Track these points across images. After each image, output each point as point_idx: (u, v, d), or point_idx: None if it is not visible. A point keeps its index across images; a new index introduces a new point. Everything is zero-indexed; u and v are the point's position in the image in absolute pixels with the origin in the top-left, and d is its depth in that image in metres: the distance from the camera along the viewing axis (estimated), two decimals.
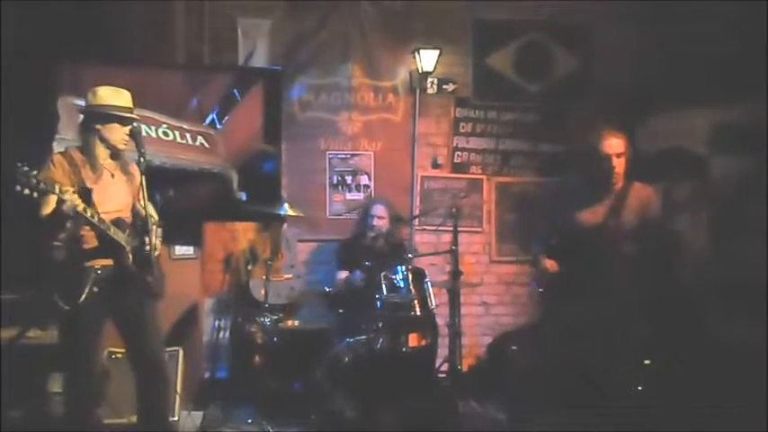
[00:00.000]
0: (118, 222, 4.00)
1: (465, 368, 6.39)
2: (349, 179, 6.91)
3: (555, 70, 7.19)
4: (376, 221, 5.97)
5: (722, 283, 5.39)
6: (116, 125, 4.03)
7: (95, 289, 3.91)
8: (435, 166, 7.06)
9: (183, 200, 5.80)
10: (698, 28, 6.16)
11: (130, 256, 4.00)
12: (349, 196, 6.90)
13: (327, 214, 6.87)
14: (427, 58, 6.73)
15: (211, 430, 5.20)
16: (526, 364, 5.70)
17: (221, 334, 6.43)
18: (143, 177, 3.99)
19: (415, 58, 6.80)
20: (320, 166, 6.87)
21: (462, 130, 7.10)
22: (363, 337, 5.18)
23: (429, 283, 5.50)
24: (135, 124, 4.09)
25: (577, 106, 7.12)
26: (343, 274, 5.98)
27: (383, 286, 5.27)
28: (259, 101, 6.23)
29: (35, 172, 3.51)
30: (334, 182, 6.90)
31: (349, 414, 4.83)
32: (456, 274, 5.56)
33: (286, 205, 5.59)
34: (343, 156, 6.91)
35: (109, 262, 3.97)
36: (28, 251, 4.97)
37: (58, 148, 5.55)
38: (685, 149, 6.09)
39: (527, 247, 6.12)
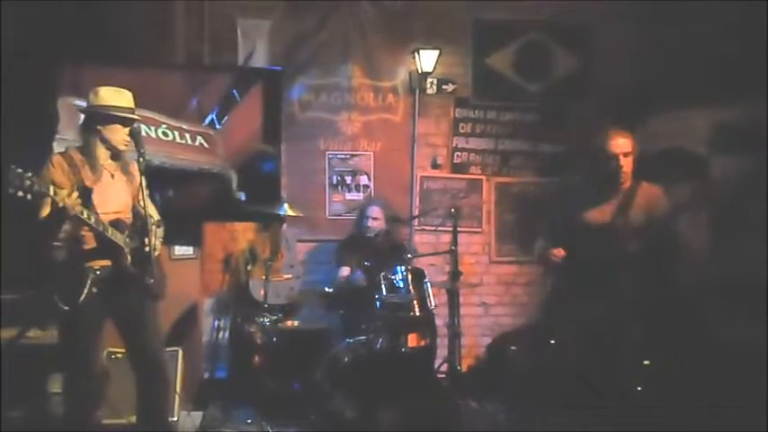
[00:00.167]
0: (117, 223, 3.99)
1: (464, 368, 6.39)
2: (349, 179, 6.91)
3: (555, 70, 7.19)
4: (371, 223, 5.99)
5: (722, 283, 5.39)
6: (117, 125, 4.03)
7: (94, 289, 3.91)
8: (435, 166, 7.06)
9: (183, 200, 5.80)
10: (698, 28, 6.16)
11: (129, 257, 3.99)
12: (349, 196, 6.90)
13: (327, 214, 6.87)
14: (427, 59, 6.73)
15: (211, 430, 5.20)
16: (526, 365, 5.70)
17: (221, 334, 6.43)
18: (143, 177, 3.99)
19: (414, 58, 6.81)
20: (320, 166, 6.87)
21: (462, 131, 7.11)
22: (363, 337, 5.18)
23: (428, 284, 5.49)
24: (135, 125, 4.09)
25: (577, 106, 7.13)
26: (344, 271, 5.98)
27: (382, 286, 5.27)
28: (258, 101, 6.23)
29: (29, 174, 3.50)
30: (334, 182, 6.90)
31: (348, 414, 4.82)
32: (455, 274, 5.56)
33: (286, 205, 5.59)
34: (343, 156, 6.91)
35: (107, 263, 3.97)
36: (28, 251, 4.96)
37: (58, 148, 5.55)
38: (685, 149, 6.09)
39: (527, 247, 6.13)
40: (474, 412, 5.52)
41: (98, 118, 4.04)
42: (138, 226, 4.12)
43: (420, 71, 6.80)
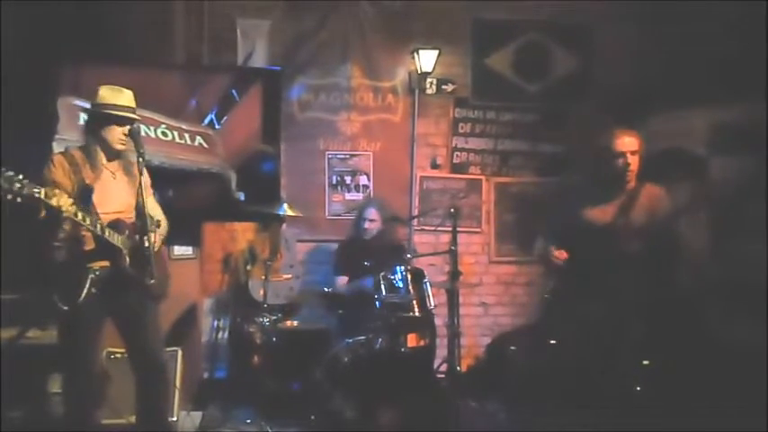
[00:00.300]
0: (117, 224, 3.98)
1: (464, 368, 6.40)
2: (348, 179, 6.92)
3: (554, 70, 7.20)
4: (368, 224, 5.97)
5: (722, 283, 5.39)
6: (113, 124, 4.02)
7: (93, 290, 3.90)
8: (434, 166, 7.07)
9: (182, 200, 5.79)
10: (698, 28, 6.16)
11: (128, 259, 3.99)
12: (348, 196, 6.91)
13: (326, 214, 6.88)
14: (426, 59, 6.74)
15: (210, 430, 5.20)
16: (526, 365, 5.71)
17: (220, 334, 6.43)
18: (143, 177, 3.98)
19: (414, 58, 6.81)
20: (319, 166, 6.88)
21: (461, 131, 7.11)
22: (362, 337, 5.18)
23: (428, 284, 5.49)
24: (135, 125, 4.08)
25: (577, 106, 7.13)
26: (342, 280, 5.97)
27: (382, 286, 5.26)
28: (258, 101, 6.24)
29: (20, 177, 3.49)
30: (334, 182, 6.91)
31: (348, 414, 4.82)
32: (455, 274, 5.55)
33: (285, 205, 5.59)
34: (343, 156, 6.91)
35: (106, 263, 3.96)
36: (28, 251, 4.96)
37: (58, 148, 5.57)
38: (685, 150, 6.09)
39: (526, 247, 6.12)
40: (474, 412, 5.53)
41: (96, 117, 4.05)
42: (140, 226, 4.10)
43: (419, 71, 6.80)
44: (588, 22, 7.12)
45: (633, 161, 4.42)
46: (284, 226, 6.52)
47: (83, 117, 5.80)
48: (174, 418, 4.96)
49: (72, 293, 3.87)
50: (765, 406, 4.34)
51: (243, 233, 6.58)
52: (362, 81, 6.93)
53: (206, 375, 6.26)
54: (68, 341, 4.04)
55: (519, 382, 5.62)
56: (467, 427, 5.12)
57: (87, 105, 5.66)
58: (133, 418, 4.44)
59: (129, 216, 4.08)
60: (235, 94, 6.21)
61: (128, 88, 4.12)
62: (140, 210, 4.03)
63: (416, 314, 5.29)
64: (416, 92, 6.96)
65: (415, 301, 5.30)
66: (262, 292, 5.59)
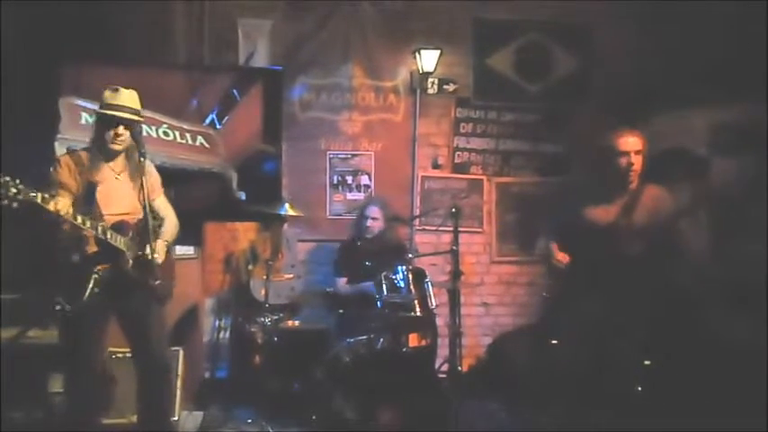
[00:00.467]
0: (120, 225, 3.98)
1: (465, 368, 6.38)
2: (349, 179, 6.92)
3: (555, 70, 7.20)
4: (370, 223, 5.96)
5: (722, 283, 5.39)
6: (109, 124, 4.02)
7: (97, 290, 3.91)
8: (436, 166, 7.07)
9: (184, 200, 5.78)
10: (698, 28, 6.16)
11: (130, 261, 3.99)
12: (349, 196, 6.91)
13: (328, 214, 6.88)
14: (428, 59, 6.74)
15: (212, 430, 5.20)
16: (526, 365, 5.71)
17: (221, 334, 6.44)
18: (144, 178, 3.97)
19: (415, 58, 6.81)
20: (321, 166, 6.88)
21: (463, 131, 7.11)
22: (363, 337, 5.17)
23: (429, 284, 5.49)
24: (134, 124, 4.07)
25: (577, 106, 7.12)
26: (342, 281, 5.97)
27: (383, 286, 5.27)
28: (259, 101, 6.26)
29: (17, 181, 3.48)
30: (335, 182, 6.91)
31: (349, 414, 4.82)
32: (456, 274, 5.55)
33: (286, 205, 5.60)
34: (344, 156, 6.91)
35: (109, 265, 3.97)
36: (29, 251, 4.98)
37: (59, 147, 5.61)
38: (685, 150, 6.09)
39: (528, 247, 6.13)
40: (474, 412, 5.52)
41: (97, 117, 4.06)
42: (146, 227, 4.07)
43: (421, 71, 6.80)
44: (589, 22, 7.12)
45: (636, 161, 4.42)
46: (285, 226, 6.52)
47: (84, 117, 5.84)
48: (176, 418, 4.97)
49: (75, 293, 3.88)
50: (765, 406, 4.34)
51: (244, 233, 6.58)
52: (364, 81, 6.93)
53: (207, 375, 6.27)
54: (72, 341, 4.05)
55: (520, 381, 5.62)
56: (467, 427, 5.12)
57: (89, 105, 5.74)
58: (134, 418, 4.45)
59: (135, 217, 4.08)
60: (236, 93, 6.23)
61: (129, 88, 4.11)
62: (144, 211, 4.03)
63: (418, 314, 5.29)
64: (418, 92, 6.96)
65: (416, 301, 5.29)
66: (263, 292, 5.60)
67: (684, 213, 4.77)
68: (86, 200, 3.90)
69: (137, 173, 4.12)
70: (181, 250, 5.76)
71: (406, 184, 7.01)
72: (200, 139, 6.10)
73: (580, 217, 4.57)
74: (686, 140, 6.11)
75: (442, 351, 5.91)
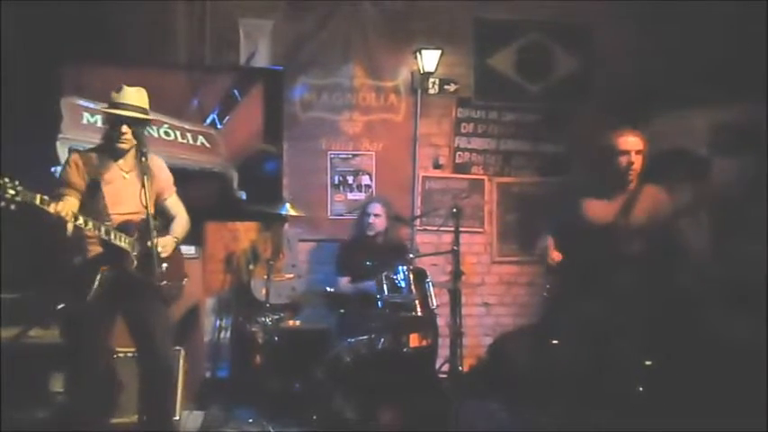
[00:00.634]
0: (126, 225, 3.98)
1: (466, 368, 6.38)
2: (350, 179, 6.92)
3: (556, 70, 7.21)
4: (373, 219, 5.95)
5: (723, 283, 5.39)
6: (113, 122, 4.03)
7: (102, 290, 3.91)
8: (437, 166, 7.07)
9: (185, 199, 5.78)
10: (698, 28, 6.16)
11: (135, 261, 3.99)
12: (350, 196, 6.91)
13: (329, 214, 6.88)
14: (429, 59, 6.74)
15: (213, 430, 5.20)
16: (527, 365, 5.71)
17: (222, 334, 6.44)
18: (145, 177, 3.96)
19: (416, 58, 6.81)
20: (322, 166, 6.88)
21: (464, 131, 7.11)
22: (364, 337, 5.17)
23: (430, 284, 5.48)
24: (133, 122, 4.07)
25: (578, 106, 7.12)
26: (344, 280, 5.97)
27: (384, 286, 5.26)
28: (260, 101, 6.27)
29: (16, 182, 3.48)
30: (336, 182, 6.91)
31: (350, 414, 4.82)
32: (457, 274, 5.56)
33: (287, 205, 5.60)
34: (345, 156, 6.92)
35: (114, 264, 3.97)
36: (29, 251, 4.99)
37: (60, 147, 5.62)
38: (686, 150, 6.09)
39: (528, 247, 6.13)
40: (475, 412, 5.52)
41: (105, 116, 4.07)
42: (144, 227, 4.06)
43: (422, 71, 6.81)
44: (590, 23, 7.12)
45: (637, 160, 4.43)
46: (286, 225, 6.52)
47: (86, 116, 5.85)
48: (177, 418, 4.96)
49: (81, 293, 3.89)
50: (765, 406, 4.34)
51: (245, 233, 6.58)
52: (365, 81, 6.93)
53: (208, 375, 6.27)
54: (76, 340, 4.06)
55: (520, 382, 5.63)
56: (468, 427, 5.12)
57: (91, 105, 5.75)
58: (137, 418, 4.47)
59: (143, 217, 4.07)
60: (237, 93, 6.25)
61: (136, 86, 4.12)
62: (146, 210, 4.02)
63: (419, 314, 5.28)
64: (419, 92, 6.96)
65: (417, 301, 5.29)
66: (264, 292, 5.61)
67: (684, 213, 4.78)
68: (94, 199, 3.91)
69: (148, 172, 4.12)
70: (182, 250, 5.79)
71: (407, 185, 7.01)
72: (201, 138, 6.11)
73: (579, 216, 4.58)
74: (686, 141, 6.11)
75: (443, 351, 5.92)
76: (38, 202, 3.56)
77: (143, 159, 3.97)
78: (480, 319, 7.13)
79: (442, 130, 7.11)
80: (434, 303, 5.45)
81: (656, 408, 4.44)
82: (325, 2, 6.78)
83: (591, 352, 4.43)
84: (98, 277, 3.90)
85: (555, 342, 4.81)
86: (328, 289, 6.01)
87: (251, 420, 5.29)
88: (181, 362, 5.11)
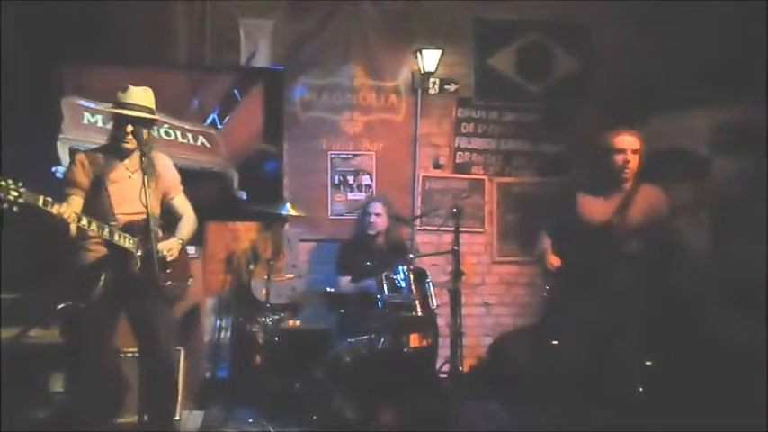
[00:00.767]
0: (131, 226, 3.99)
1: (466, 368, 6.38)
2: (351, 179, 6.92)
3: (556, 70, 7.20)
4: (374, 219, 5.94)
5: (723, 283, 5.39)
6: (118, 122, 4.03)
7: (106, 289, 3.91)
8: (437, 166, 7.07)
9: None
10: (698, 28, 6.16)
11: (139, 262, 3.98)
12: (351, 196, 6.91)
13: (329, 214, 6.88)
14: (429, 59, 6.74)
15: (213, 430, 5.20)
16: (527, 365, 5.71)
17: (223, 333, 6.44)
18: (145, 177, 3.94)
19: (416, 58, 6.81)
20: (322, 166, 6.88)
21: (464, 131, 7.11)
22: (364, 337, 5.17)
23: (430, 284, 5.48)
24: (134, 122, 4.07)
25: (578, 106, 7.12)
26: (344, 280, 5.97)
27: (384, 286, 5.26)
28: (260, 101, 6.27)
29: (19, 184, 3.48)
30: (336, 182, 6.91)
31: (350, 414, 4.82)
32: (457, 274, 5.56)
33: (288, 205, 5.61)
34: (345, 156, 6.92)
35: (118, 265, 3.97)
36: (29, 250, 4.99)
37: (61, 147, 5.62)
38: (686, 150, 6.09)
39: (528, 247, 6.13)
40: (475, 412, 5.52)
41: (112, 115, 4.08)
42: (144, 227, 4.05)
43: (422, 71, 6.81)
44: (590, 23, 7.12)
45: (633, 159, 4.46)
46: (287, 225, 6.53)
47: (86, 116, 5.85)
48: (177, 418, 4.97)
49: (85, 292, 3.89)
50: (765, 406, 4.34)
51: (245, 233, 6.59)
52: (365, 81, 6.93)
53: (208, 375, 6.28)
54: (80, 340, 4.06)
55: (520, 382, 5.63)
56: (468, 427, 5.12)
57: (91, 105, 5.75)
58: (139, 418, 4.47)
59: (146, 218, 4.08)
60: (237, 93, 6.24)
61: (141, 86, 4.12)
62: (147, 211, 4.02)
63: (419, 314, 5.28)
64: (419, 92, 6.96)
65: (417, 301, 5.29)
66: (264, 292, 5.61)
67: (684, 213, 4.78)
68: (99, 199, 3.91)
69: (154, 173, 4.13)
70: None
71: (408, 185, 7.01)
72: (201, 138, 6.11)
73: (576, 216, 4.59)
74: (687, 141, 6.11)
75: (443, 351, 5.93)
76: (41, 203, 3.56)
77: (143, 159, 3.97)
78: (480, 319, 7.13)
79: (442, 130, 7.11)
80: (435, 303, 5.45)
81: (656, 408, 4.44)
82: (325, 2, 6.78)
83: (590, 352, 4.43)
84: (102, 278, 3.90)
85: (555, 342, 4.81)
86: (328, 289, 6.02)
87: (251, 420, 5.29)
88: (181, 362, 5.11)
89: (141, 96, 4.07)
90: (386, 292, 5.25)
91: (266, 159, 6.33)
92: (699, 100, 5.90)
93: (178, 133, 6.04)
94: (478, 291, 7.07)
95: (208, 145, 6.13)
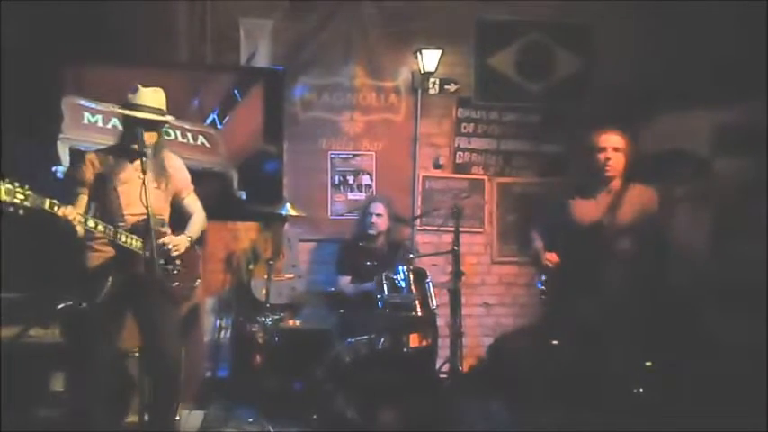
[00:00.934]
0: (138, 227, 3.99)
1: (466, 368, 6.39)
2: (351, 179, 6.92)
3: (556, 71, 7.19)
4: (375, 219, 5.95)
5: (722, 283, 5.39)
6: (130, 124, 4.04)
7: (113, 290, 3.92)
8: (437, 166, 7.06)
9: None
10: (698, 28, 6.16)
11: (145, 263, 3.98)
12: (351, 196, 6.91)
13: (329, 214, 6.88)
14: (429, 59, 6.74)
15: (213, 430, 5.21)
16: (527, 365, 5.71)
17: (222, 333, 6.44)
18: (145, 177, 3.94)
19: (416, 58, 6.81)
20: (322, 166, 6.88)
21: (464, 131, 7.11)
22: (364, 337, 5.18)
23: (430, 284, 5.49)
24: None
25: (579, 107, 7.11)
26: (345, 279, 5.97)
27: (384, 286, 5.26)
28: (260, 101, 6.26)
29: (26, 187, 3.48)
30: (336, 182, 6.91)
31: (350, 414, 4.82)
32: (457, 274, 5.56)
33: (288, 205, 5.61)
34: (345, 156, 6.91)
35: (124, 266, 3.97)
36: (29, 250, 4.98)
37: (62, 147, 5.61)
38: (687, 150, 6.09)
39: (528, 247, 6.13)
40: (475, 412, 5.52)
41: (122, 116, 4.07)
42: (143, 228, 4.05)
43: (422, 71, 6.80)
44: (590, 23, 7.11)
45: (614, 157, 4.51)
46: (286, 225, 6.53)
47: (86, 116, 5.85)
48: (177, 418, 4.96)
49: (92, 293, 3.89)
50: (765, 406, 4.34)
51: (245, 232, 6.59)
52: (365, 81, 6.93)
53: (208, 374, 6.28)
54: (86, 340, 4.06)
55: (520, 382, 5.62)
56: (468, 427, 5.13)
57: (92, 105, 5.76)
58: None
59: (156, 218, 4.08)
60: (237, 93, 6.23)
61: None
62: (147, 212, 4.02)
63: (419, 314, 5.29)
64: (419, 92, 6.96)
65: (417, 301, 5.29)
66: (264, 292, 5.61)
67: (680, 212, 4.80)
68: (108, 199, 3.92)
69: (164, 174, 4.13)
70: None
71: (408, 185, 7.01)
72: (201, 138, 6.11)
73: (566, 216, 4.62)
74: (687, 141, 6.11)
75: (443, 351, 5.93)
76: (47, 206, 3.57)
77: (143, 160, 3.96)
78: (480, 319, 7.13)
79: (442, 131, 7.10)
80: (434, 303, 5.45)
81: (656, 408, 4.44)
82: (325, 2, 6.78)
83: (589, 353, 4.43)
84: (110, 279, 3.91)
85: (554, 342, 4.82)
86: (329, 289, 6.02)
87: (251, 420, 5.29)
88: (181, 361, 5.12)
89: (152, 97, 4.08)
90: (386, 292, 5.25)
91: (266, 159, 6.32)
92: (699, 100, 5.90)
93: (178, 133, 6.03)
94: (478, 291, 7.07)
95: (208, 145, 6.13)
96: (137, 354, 4.62)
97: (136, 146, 4.02)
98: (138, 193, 3.98)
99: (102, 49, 5.90)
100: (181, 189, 4.35)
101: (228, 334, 6.41)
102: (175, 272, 4.15)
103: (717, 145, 5.96)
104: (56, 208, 3.61)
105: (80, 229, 3.78)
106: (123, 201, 3.97)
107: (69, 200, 3.77)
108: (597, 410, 4.37)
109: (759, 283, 5.03)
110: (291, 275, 6.25)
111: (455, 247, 5.62)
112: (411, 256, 5.80)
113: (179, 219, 4.38)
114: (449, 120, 7.10)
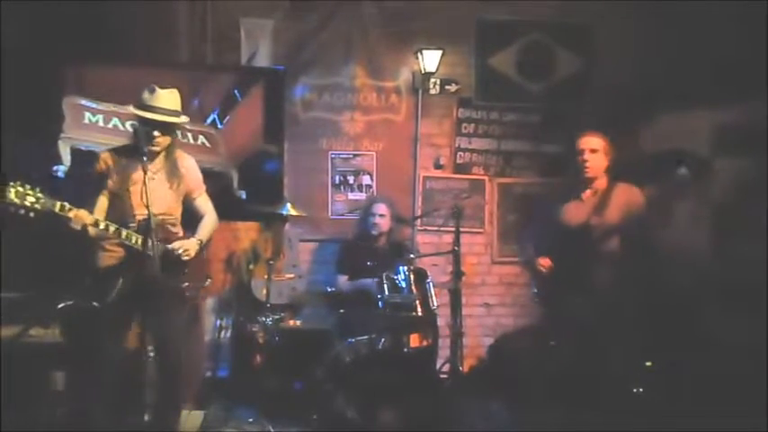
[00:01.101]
0: (146, 227, 3.99)
1: (466, 369, 6.38)
2: (351, 179, 6.92)
3: (557, 71, 7.19)
4: (377, 219, 5.95)
5: (722, 283, 5.39)
6: (144, 125, 4.04)
7: (124, 290, 3.92)
8: (437, 166, 7.06)
9: None
10: (698, 28, 6.15)
11: (157, 262, 3.98)
12: (351, 196, 6.91)
13: (329, 214, 6.88)
14: (430, 59, 6.73)
15: (213, 430, 5.21)
16: (527, 365, 5.71)
17: (223, 333, 6.44)
18: (146, 176, 3.91)
19: (417, 58, 6.81)
20: (322, 166, 6.88)
21: (465, 131, 7.11)
22: (365, 337, 5.18)
23: (431, 284, 5.49)
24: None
25: (579, 107, 7.11)
26: (343, 278, 5.97)
27: (385, 286, 5.26)
28: (260, 100, 6.27)
29: (37, 190, 3.49)
30: (337, 182, 6.91)
31: (350, 414, 4.82)
32: (458, 274, 5.56)
33: (288, 205, 5.61)
34: (346, 156, 6.91)
35: (135, 266, 3.97)
36: (30, 250, 4.98)
37: (63, 146, 5.62)
38: (687, 150, 6.09)
39: (521, 254, 6.14)
40: (475, 412, 5.52)
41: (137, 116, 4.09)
42: (144, 228, 4.05)
43: (423, 71, 6.80)
44: (591, 23, 7.11)
45: (592, 159, 4.63)
46: (287, 225, 6.53)
47: (87, 116, 5.86)
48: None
49: (102, 293, 3.90)
50: (765, 406, 4.34)
51: (246, 232, 6.59)
52: (366, 81, 6.93)
53: (209, 374, 6.27)
54: (93, 338, 4.07)
55: (520, 382, 5.62)
56: (468, 427, 5.13)
57: (93, 105, 5.77)
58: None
59: (169, 218, 4.08)
60: (237, 93, 6.24)
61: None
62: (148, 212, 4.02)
63: (419, 314, 5.29)
64: (420, 92, 6.95)
65: (417, 301, 5.29)
66: (264, 292, 5.61)
67: (680, 212, 4.81)
68: (121, 199, 3.92)
69: (177, 174, 4.14)
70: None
71: (408, 185, 7.01)
72: (201, 138, 6.11)
73: (556, 219, 4.66)
74: (687, 141, 6.11)
75: (444, 351, 5.93)
76: (57, 209, 3.57)
77: (144, 159, 3.96)
78: (481, 319, 7.13)
79: (442, 131, 7.10)
80: (435, 303, 5.45)
81: (655, 408, 4.44)
82: (326, 2, 6.78)
83: (588, 353, 4.44)
84: (120, 279, 3.91)
85: (552, 343, 4.83)
86: (329, 289, 6.02)
87: (251, 420, 5.29)
88: None
89: (168, 99, 4.08)
90: (386, 293, 5.25)
91: (267, 159, 6.32)
92: (699, 100, 5.90)
93: (178, 132, 6.03)
94: (479, 291, 7.07)
95: (208, 144, 6.13)
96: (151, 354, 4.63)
97: (152, 147, 4.04)
98: (150, 193, 3.99)
99: (103, 49, 5.91)
100: (193, 189, 4.36)
101: (229, 334, 6.40)
102: (185, 272, 4.16)
103: (717, 145, 5.97)
104: (66, 210, 3.61)
105: (92, 230, 3.79)
106: (135, 201, 3.97)
107: (77, 199, 3.78)
108: (597, 410, 4.37)
109: (759, 283, 5.03)
110: (292, 275, 6.25)
111: (455, 248, 5.62)
112: (411, 256, 5.79)
113: (190, 218, 4.38)
114: (449, 120, 7.10)
